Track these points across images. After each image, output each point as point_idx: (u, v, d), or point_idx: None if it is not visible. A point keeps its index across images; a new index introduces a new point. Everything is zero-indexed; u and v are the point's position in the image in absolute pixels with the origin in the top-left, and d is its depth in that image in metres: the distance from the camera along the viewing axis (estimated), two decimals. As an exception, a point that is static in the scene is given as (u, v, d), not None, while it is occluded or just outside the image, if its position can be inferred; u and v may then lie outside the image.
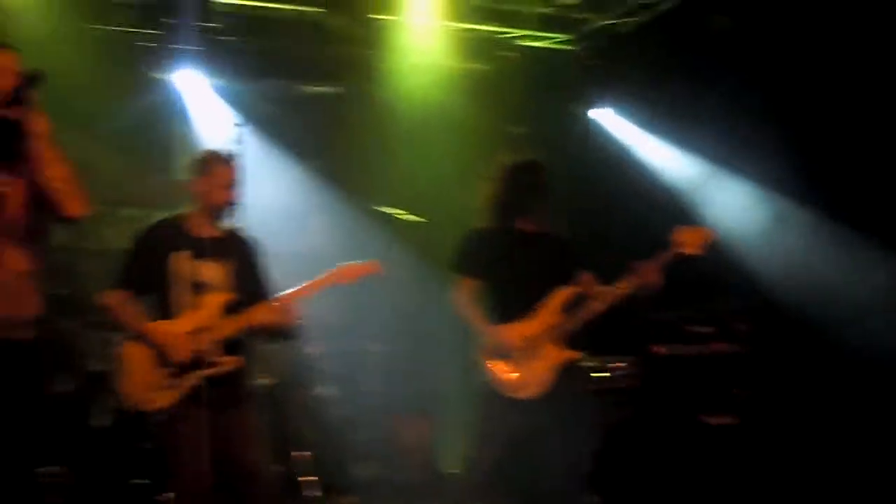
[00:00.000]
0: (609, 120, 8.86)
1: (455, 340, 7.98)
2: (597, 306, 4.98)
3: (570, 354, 5.00)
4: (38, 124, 3.39)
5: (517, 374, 4.94)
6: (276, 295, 4.65)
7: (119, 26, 7.82)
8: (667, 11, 8.12)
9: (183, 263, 4.51)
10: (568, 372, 5.00)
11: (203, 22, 7.58)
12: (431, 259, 8.70)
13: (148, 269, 4.54)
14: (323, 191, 8.58)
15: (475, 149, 8.81)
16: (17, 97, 3.38)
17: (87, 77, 7.89)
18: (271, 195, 8.56)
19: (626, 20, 8.45)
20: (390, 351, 7.83)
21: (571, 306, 5.03)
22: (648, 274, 4.91)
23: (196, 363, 4.44)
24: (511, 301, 5.04)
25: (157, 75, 7.92)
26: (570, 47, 8.85)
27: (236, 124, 4.74)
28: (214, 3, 7.71)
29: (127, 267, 4.63)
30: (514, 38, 8.76)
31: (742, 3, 7.28)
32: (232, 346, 4.52)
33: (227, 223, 4.72)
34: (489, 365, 5.00)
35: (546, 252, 5.14)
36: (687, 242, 4.89)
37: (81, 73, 7.70)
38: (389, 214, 6.03)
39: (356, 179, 8.62)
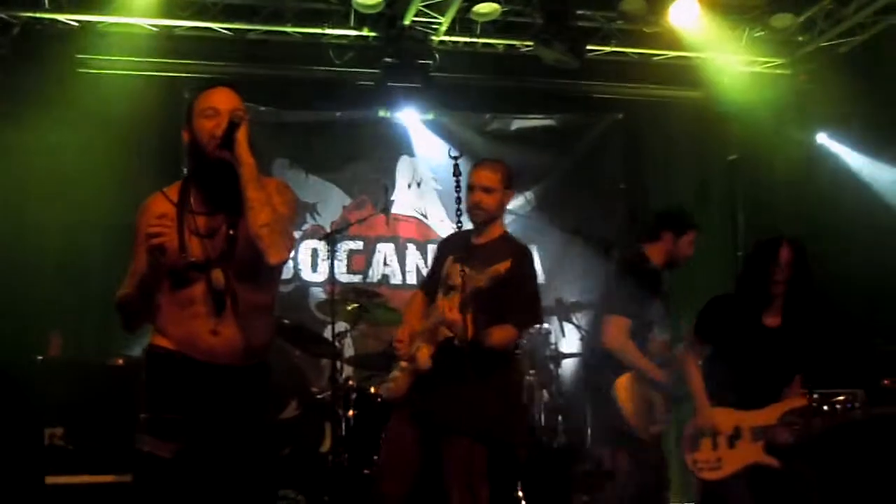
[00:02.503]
0: (830, 145, 8.58)
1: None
2: (816, 426, 4.93)
3: (766, 461, 4.88)
4: (247, 168, 3.43)
5: (710, 456, 4.94)
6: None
7: (339, 67, 8.14)
8: (887, 29, 7.86)
9: (446, 268, 4.76)
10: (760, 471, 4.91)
11: (421, 59, 7.80)
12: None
13: (433, 273, 4.92)
14: (539, 221, 8.64)
15: (691, 176, 8.80)
16: (228, 139, 3.43)
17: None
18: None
19: (844, 40, 8.20)
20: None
21: (792, 418, 4.93)
22: None
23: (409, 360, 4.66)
24: (736, 385, 4.99)
25: (378, 113, 8.19)
26: (784, 71, 8.65)
27: (452, 156, 4.82)
28: (433, 40, 7.92)
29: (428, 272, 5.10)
30: (726, 63, 8.63)
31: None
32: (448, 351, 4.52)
33: (498, 231, 4.87)
34: (688, 440, 5.04)
35: (784, 350, 4.97)
36: None
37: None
38: (606, 242, 6.05)
39: (572, 208, 8.68)
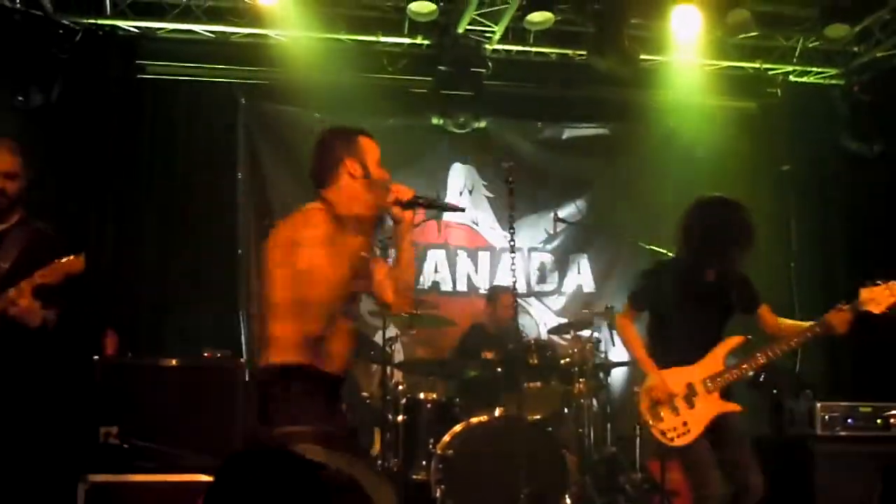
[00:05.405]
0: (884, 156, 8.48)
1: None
2: (760, 360, 4.82)
3: (727, 407, 4.84)
4: (408, 226, 3.84)
5: (676, 423, 4.83)
6: None
7: (393, 74, 8.24)
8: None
9: None
10: (726, 422, 4.84)
11: (474, 67, 7.84)
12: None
13: None
14: (589, 229, 8.66)
15: (742, 186, 8.69)
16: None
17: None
18: (536, 234, 8.75)
19: (899, 51, 8.14)
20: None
21: (737, 355, 4.88)
22: (835, 325, 4.71)
23: None
24: (680, 343, 4.92)
25: (432, 121, 8.24)
26: (838, 81, 8.61)
27: (504, 166, 4.84)
28: (486, 49, 7.97)
29: None
30: (780, 74, 8.61)
31: None
32: None
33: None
34: (646, 409, 4.90)
35: (725, 300, 4.95)
36: (874, 301, 4.68)
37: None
38: (656, 252, 6.02)
39: (623, 217, 8.67)
